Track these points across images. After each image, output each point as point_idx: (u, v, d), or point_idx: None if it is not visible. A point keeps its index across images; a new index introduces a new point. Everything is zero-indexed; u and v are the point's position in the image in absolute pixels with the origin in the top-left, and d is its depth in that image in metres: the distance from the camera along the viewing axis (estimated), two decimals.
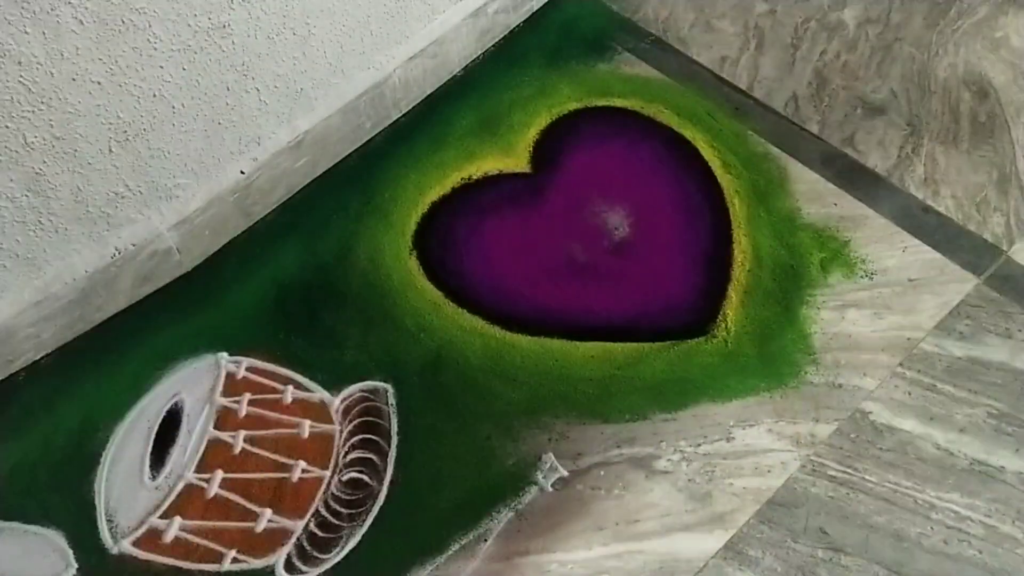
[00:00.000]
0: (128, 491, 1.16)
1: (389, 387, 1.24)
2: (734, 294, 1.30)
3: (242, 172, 1.38)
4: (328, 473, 1.17)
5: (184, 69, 1.19)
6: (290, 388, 1.24)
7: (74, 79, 1.08)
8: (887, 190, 1.39)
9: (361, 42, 1.42)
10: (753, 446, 1.15)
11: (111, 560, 1.11)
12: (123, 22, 1.08)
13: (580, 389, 1.22)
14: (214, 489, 1.15)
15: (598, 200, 1.42)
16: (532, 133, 1.52)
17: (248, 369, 1.27)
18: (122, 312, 1.34)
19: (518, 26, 1.70)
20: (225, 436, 1.20)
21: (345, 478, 1.16)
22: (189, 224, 1.35)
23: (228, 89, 1.27)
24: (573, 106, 1.56)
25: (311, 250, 1.40)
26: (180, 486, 1.16)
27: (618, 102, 1.56)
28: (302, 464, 1.17)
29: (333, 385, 1.25)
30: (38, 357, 1.29)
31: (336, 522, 1.13)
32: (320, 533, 1.12)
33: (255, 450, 1.19)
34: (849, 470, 1.12)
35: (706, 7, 1.70)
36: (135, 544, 1.12)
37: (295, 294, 1.35)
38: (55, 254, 1.23)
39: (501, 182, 1.46)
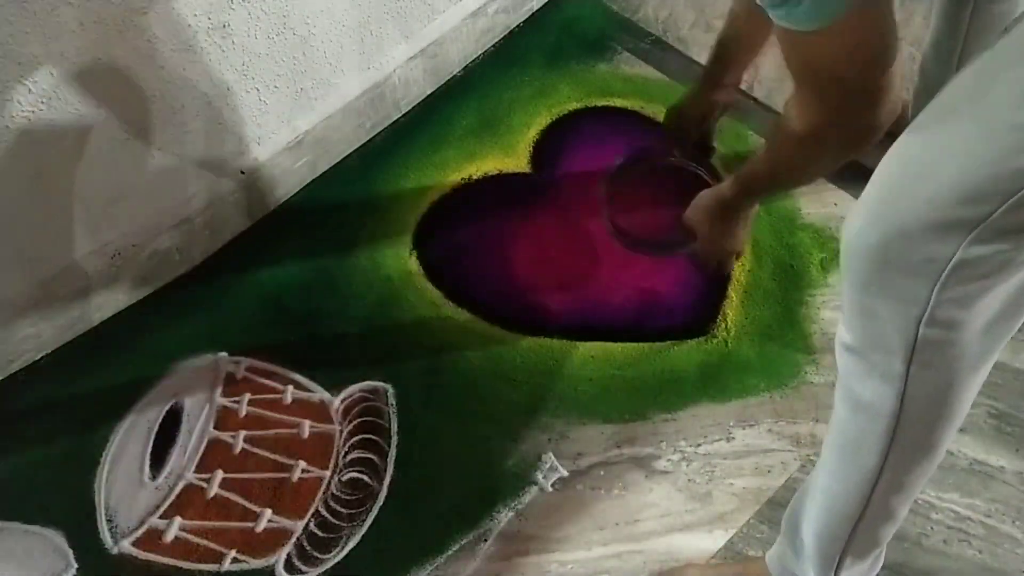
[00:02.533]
0: (128, 491, 1.16)
1: (389, 387, 1.24)
2: (734, 294, 1.30)
3: (242, 172, 1.38)
4: (328, 473, 1.17)
5: (184, 69, 1.19)
6: (290, 388, 1.24)
7: (74, 79, 1.08)
8: None
9: (361, 42, 1.42)
10: (753, 446, 1.15)
11: (111, 560, 1.11)
12: (123, 22, 1.08)
13: (580, 389, 1.22)
14: (214, 489, 1.15)
15: (598, 200, 1.42)
16: (532, 133, 1.52)
17: (248, 369, 1.27)
18: (122, 312, 1.34)
19: (518, 26, 1.70)
20: (225, 436, 1.20)
21: (345, 478, 1.16)
22: (189, 224, 1.35)
23: (228, 89, 1.27)
24: (573, 106, 1.56)
25: (311, 250, 1.40)
26: (180, 486, 1.16)
27: (618, 102, 1.56)
28: (302, 464, 1.17)
29: (333, 385, 1.25)
30: (38, 357, 1.29)
31: (336, 522, 1.13)
32: (320, 533, 1.12)
33: (255, 450, 1.19)
34: None
35: (706, 7, 1.70)
36: (135, 544, 1.12)
37: (295, 294, 1.35)
38: (55, 254, 1.23)
39: (501, 182, 1.46)
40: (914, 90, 1.34)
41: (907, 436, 0.73)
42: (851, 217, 0.67)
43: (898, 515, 0.81)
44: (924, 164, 0.62)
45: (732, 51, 1.16)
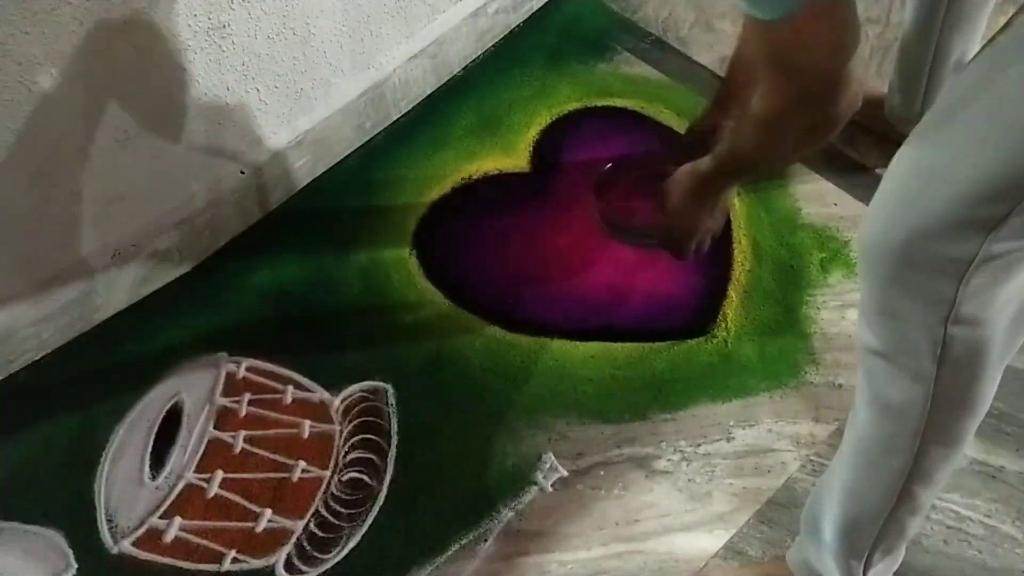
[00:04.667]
0: (128, 491, 1.16)
1: (389, 387, 1.24)
2: (734, 294, 1.30)
3: (242, 172, 1.38)
4: (328, 473, 1.17)
5: (184, 69, 1.19)
6: (290, 388, 1.24)
7: (74, 79, 1.08)
8: None
9: (361, 42, 1.42)
10: (753, 446, 1.15)
11: (111, 560, 1.11)
12: (123, 22, 1.08)
13: (580, 389, 1.22)
14: (214, 489, 1.15)
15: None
16: (532, 133, 1.52)
17: (248, 369, 1.27)
18: (122, 312, 1.34)
19: (518, 26, 1.70)
20: (225, 436, 1.20)
21: (345, 478, 1.16)
22: (189, 224, 1.35)
23: (228, 89, 1.27)
24: (573, 106, 1.56)
25: (311, 250, 1.40)
26: (180, 486, 1.16)
27: (618, 102, 1.56)
28: (302, 464, 1.17)
29: (333, 385, 1.25)
30: (38, 357, 1.29)
31: (336, 522, 1.13)
32: (320, 533, 1.12)
33: (255, 450, 1.19)
34: None
35: (706, 7, 1.70)
36: (135, 544, 1.12)
37: (295, 294, 1.35)
38: (56, 254, 1.23)
39: (501, 182, 1.46)
40: (891, 79, 1.34)
41: (936, 433, 0.73)
42: (868, 220, 0.67)
43: (926, 506, 0.82)
44: (939, 164, 0.62)
45: (740, 78, 1.15)
